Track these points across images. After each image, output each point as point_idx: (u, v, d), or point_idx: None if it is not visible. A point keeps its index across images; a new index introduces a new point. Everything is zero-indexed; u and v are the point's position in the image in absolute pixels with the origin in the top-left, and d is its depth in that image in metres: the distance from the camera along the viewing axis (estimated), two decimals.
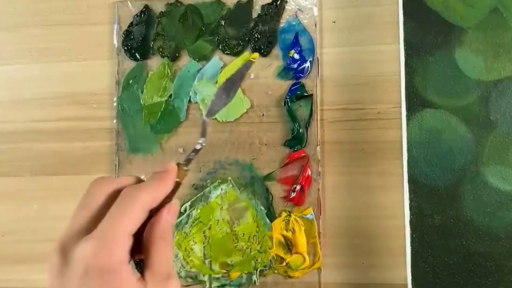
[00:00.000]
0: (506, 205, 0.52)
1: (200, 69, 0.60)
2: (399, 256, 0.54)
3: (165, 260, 0.32)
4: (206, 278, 0.57)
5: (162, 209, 0.34)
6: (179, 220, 0.59)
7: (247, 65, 0.54)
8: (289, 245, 0.56)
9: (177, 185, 0.35)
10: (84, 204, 0.33)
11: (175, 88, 0.60)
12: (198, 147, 0.42)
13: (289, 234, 0.56)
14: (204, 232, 0.58)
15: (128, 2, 0.62)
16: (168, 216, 0.33)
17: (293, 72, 0.58)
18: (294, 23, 0.58)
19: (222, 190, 0.58)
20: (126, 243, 0.31)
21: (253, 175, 0.58)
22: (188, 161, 0.39)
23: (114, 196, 0.32)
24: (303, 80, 0.58)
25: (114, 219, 0.31)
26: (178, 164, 0.37)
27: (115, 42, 0.62)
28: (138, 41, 0.61)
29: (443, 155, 0.53)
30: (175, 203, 0.34)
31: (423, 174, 0.53)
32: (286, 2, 0.59)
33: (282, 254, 0.56)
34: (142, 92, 0.61)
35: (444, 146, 0.53)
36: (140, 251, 0.33)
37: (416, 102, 0.54)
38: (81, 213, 0.32)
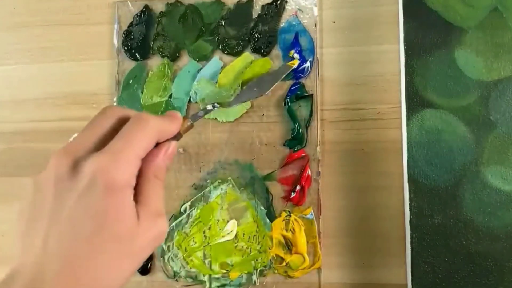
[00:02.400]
0: (506, 205, 0.52)
1: (200, 69, 0.60)
2: (399, 256, 0.54)
3: (157, 198, 0.33)
4: (206, 278, 0.57)
5: (161, 147, 0.34)
6: (179, 220, 0.59)
7: (287, 67, 0.56)
8: (289, 245, 0.56)
9: (179, 136, 0.36)
10: (96, 123, 0.33)
11: (175, 88, 0.60)
12: (209, 107, 0.43)
13: (289, 234, 0.56)
14: (204, 232, 0.58)
15: (128, 2, 0.62)
16: (164, 157, 0.34)
17: (293, 72, 0.58)
18: (294, 23, 0.58)
19: (222, 190, 0.58)
20: (135, 164, 0.31)
21: (253, 175, 0.58)
22: (194, 116, 0.40)
23: (124, 122, 0.33)
24: (303, 80, 0.58)
25: (126, 139, 0.31)
26: (185, 117, 0.38)
27: (115, 42, 0.62)
28: (138, 41, 0.61)
29: (443, 155, 0.53)
30: (173, 145, 0.35)
31: (423, 174, 0.53)
32: (286, 2, 0.59)
33: (282, 254, 0.56)
34: (142, 92, 0.61)
35: (444, 146, 0.53)
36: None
37: (416, 102, 0.54)
38: (91, 131, 0.33)
